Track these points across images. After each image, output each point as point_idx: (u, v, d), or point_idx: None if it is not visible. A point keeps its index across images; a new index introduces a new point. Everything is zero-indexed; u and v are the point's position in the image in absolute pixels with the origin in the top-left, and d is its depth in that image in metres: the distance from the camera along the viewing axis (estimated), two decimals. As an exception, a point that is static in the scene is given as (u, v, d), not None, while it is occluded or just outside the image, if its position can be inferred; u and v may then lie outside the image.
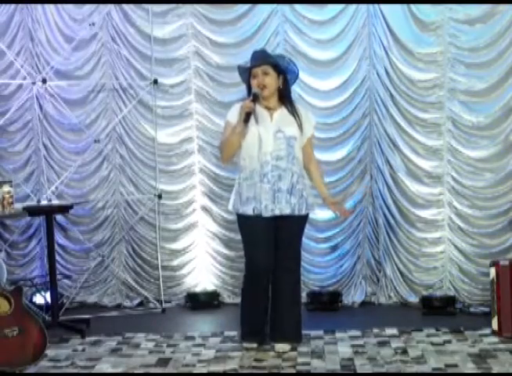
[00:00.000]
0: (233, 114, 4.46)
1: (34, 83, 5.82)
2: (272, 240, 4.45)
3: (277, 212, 4.37)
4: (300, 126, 4.47)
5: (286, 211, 4.39)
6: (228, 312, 5.65)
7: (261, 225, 4.40)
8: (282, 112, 4.47)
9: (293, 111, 4.49)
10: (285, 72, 4.49)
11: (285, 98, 4.51)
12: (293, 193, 4.40)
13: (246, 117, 4.33)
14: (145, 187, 5.98)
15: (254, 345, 4.58)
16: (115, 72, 5.90)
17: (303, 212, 4.46)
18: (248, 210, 4.40)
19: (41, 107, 5.93)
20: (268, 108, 4.45)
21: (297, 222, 4.50)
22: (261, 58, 4.47)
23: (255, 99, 4.35)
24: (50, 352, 4.59)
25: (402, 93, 5.61)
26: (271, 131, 4.39)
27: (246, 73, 4.48)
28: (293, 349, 4.52)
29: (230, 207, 4.56)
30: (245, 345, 4.61)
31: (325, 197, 4.62)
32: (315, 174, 4.62)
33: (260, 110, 4.43)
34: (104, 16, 5.84)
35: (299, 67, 5.69)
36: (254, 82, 4.40)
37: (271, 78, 4.41)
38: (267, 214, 4.37)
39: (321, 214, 5.80)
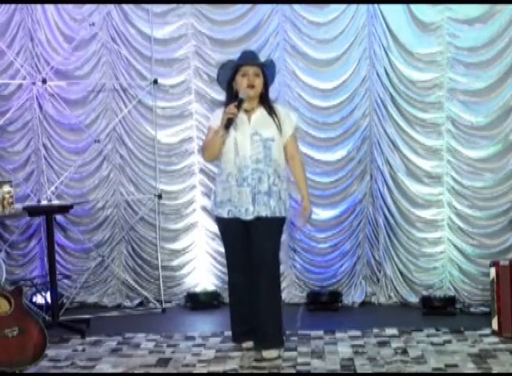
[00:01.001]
0: (216, 119, 4.42)
1: (34, 83, 5.83)
2: (248, 241, 4.43)
3: (257, 214, 4.35)
4: (278, 126, 4.42)
5: (264, 213, 4.35)
6: (228, 312, 5.64)
7: (237, 228, 4.41)
8: (260, 113, 4.43)
9: (272, 112, 4.44)
10: (268, 77, 4.46)
11: (265, 101, 4.46)
12: (271, 195, 4.37)
13: (228, 122, 4.27)
14: (145, 187, 5.98)
15: (251, 344, 4.56)
16: (115, 72, 5.91)
17: (282, 214, 4.43)
18: (223, 212, 4.41)
19: (40, 107, 5.93)
20: (246, 111, 4.39)
21: (276, 224, 4.44)
22: (254, 58, 4.44)
23: (240, 105, 4.29)
24: (50, 352, 4.59)
25: (401, 93, 5.61)
26: (248, 134, 4.36)
27: (230, 70, 4.41)
28: (279, 355, 4.42)
29: (210, 207, 4.67)
30: (244, 345, 4.59)
31: (302, 196, 4.55)
32: (296, 170, 4.54)
33: (239, 114, 4.34)
34: (104, 16, 5.84)
35: (299, 67, 5.78)
36: (243, 81, 4.34)
37: (260, 81, 4.39)
38: (248, 217, 4.36)
39: (321, 214, 5.82)
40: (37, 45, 5.90)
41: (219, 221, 4.51)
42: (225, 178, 4.40)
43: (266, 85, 4.46)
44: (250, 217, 4.36)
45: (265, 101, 4.47)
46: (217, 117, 4.44)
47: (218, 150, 4.39)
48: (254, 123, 4.40)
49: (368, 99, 5.69)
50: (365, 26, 5.63)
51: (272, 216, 4.38)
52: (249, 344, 4.57)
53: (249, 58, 4.43)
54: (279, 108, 4.53)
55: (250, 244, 4.43)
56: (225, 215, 4.42)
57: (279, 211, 4.41)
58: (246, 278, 4.48)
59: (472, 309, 5.41)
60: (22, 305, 4.38)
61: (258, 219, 4.37)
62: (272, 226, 4.43)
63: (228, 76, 4.43)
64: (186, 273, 6.02)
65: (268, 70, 4.46)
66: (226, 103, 4.41)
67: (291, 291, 5.87)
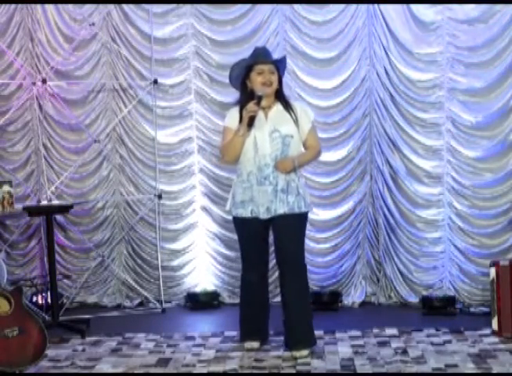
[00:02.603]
0: (230, 119, 4.42)
1: (34, 83, 5.83)
2: (267, 241, 4.48)
3: (280, 212, 4.31)
4: (296, 122, 4.40)
5: (282, 209, 4.31)
6: (229, 312, 5.66)
7: (257, 227, 4.39)
8: (277, 109, 4.41)
9: (288, 108, 4.42)
10: (282, 73, 4.46)
11: (282, 97, 4.45)
12: (289, 191, 4.34)
13: (250, 120, 4.27)
14: (145, 187, 5.98)
15: (255, 345, 4.56)
16: (115, 72, 5.91)
17: (302, 210, 4.38)
18: (245, 212, 4.37)
19: (40, 107, 5.93)
20: (263, 108, 4.36)
21: (297, 221, 4.40)
22: (268, 56, 4.42)
23: (259, 102, 4.27)
24: (50, 352, 4.59)
25: (401, 93, 5.61)
26: (266, 132, 4.33)
27: (244, 69, 4.38)
28: (311, 353, 4.44)
29: (227, 207, 4.56)
30: (246, 345, 4.58)
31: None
32: (307, 151, 4.46)
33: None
34: (104, 16, 5.84)
35: (299, 67, 5.78)
36: (258, 79, 4.32)
37: (275, 77, 4.36)
38: (267, 215, 4.33)
39: (321, 214, 5.82)
40: (37, 45, 5.90)
41: (239, 221, 4.44)
42: (246, 178, 4.36)
43: (280, 81, 4.43)
44: (268, 216, 4.33)
45: (280, 97, 4.44)
46: (232, 117, 4.41)
47: (240, 151, 4.34)
48: (272, 120, 4.36)
49: (368, 99, 5.69)
50: (365, 26, 5.63)
51: (291, 213, 4.33)
52: (252, 344, 4.56)
53: (263, 55, 4.40)
54: (294, 103, 4.51)
55: (274, 243, 4.43)
56: (247, 214, 4.36)
57: (298, 207, 4.35)
58: (261, 277, 4.53)
59: (472, 309, 5.41)
60: (22, 305, 4.38)
61: (278, 217, 4.33)
62: (292, 223, 4.38)
63: (242, 75, 4.39)
64: (186, 273, 6.02)
65: (281, 66, 4.45)
66: (241, 102, 4.38)
67: (291, 291, 5.87)
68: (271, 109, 4.40)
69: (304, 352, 4.40)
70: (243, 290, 4.63)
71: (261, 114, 4.35)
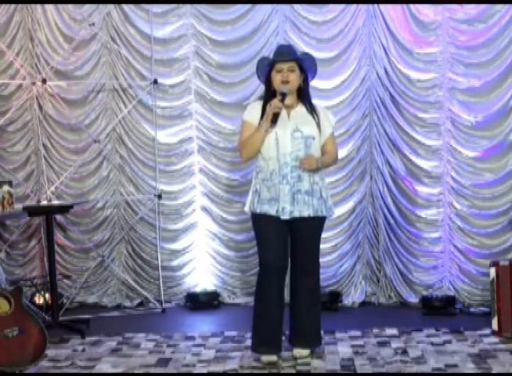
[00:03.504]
0: (251, 114, 4.33)
1: (33, 83, 5.82)
2: (287, 242, 4.34)
3: (296, 214, 4.24)
4: (318, 125, 4.33)
5: (306, 212, 4.25)
6: (229, 312, 5.66)
7: (279, 226, 4.26)
8: (300, 110, 4.33)
9: (312, 110, 4.35)
10: (307, 71, 4.35)
11: (304, 96, 4.37)
12: (313, 194, 4.27)
13: (275, 117, 4.20)
14: (145, 187, 5.98)
15: (274, 358, 4.30)
16: (115, 72, 5.91)
17: (324, 213, 4.32)
18: (271, 210, 4.24)
19: (40, 107, 5.93)
20: (286, 106, 4.28)
21: (317, 224, 4.36)
22: (289, 54, 4.32)
23: (283, 99, 4.21)
24: (50, 352, 4.59)
25: (401, 93, 5.61)
26: (288, 130, 4.25)
27: (267, 66, 4.32)
28: (312, 353, 4.43)
29: (247, 208, 4.37)
30: (264, 358, 4.30)
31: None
32: (326, 155, 4.40)
33: None
34: (104, 16, 5.84)
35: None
36: (277, 77, 4.25)
37: (295, 75, 4.26)
38: (285, 216, 4.24)
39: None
40: (37, 45, 5.90)
41: (263, 218, 4.27)
42: (269, 177, 4.26)
43: (306, 80, 4.35)
44: (286, 216, 4.24)
45: (304, 97, 4.36)
46: (253, 112, 4.33)
47: (259, 147, 4.25)
48: (295, 119, 4.29)
49: (368, 99, 5.70)
50: (365, 26, 5.63)
51: (315, 215, 4.28)
52: (272, 358, 4.29)
53: (282, 53, 4.32)
54: (318, 107, 4.43)
55: (292, 244, 4.33)
56: (272, 212, 4.23)
57: (320, 211, 4.30)
58: (282, 279, 4.33)
59: (472, 309, 5.41)
60: (22, 305, 4.38)
61: (301, 220, 4.25)
62: (315, 227, 4.35)
63: (265, 71, 4.33)
64: (186, 273, 6.02)
65: (305, 64, 4.33)
66: (265, 98, 4.32)
67: (291, 291, 5.87)
68: (293, 108, 4.33)
69: (305, 353, 4.39)
70: (261, 295, 4.34)
71: (283, 113, 4.27)
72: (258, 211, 4.29)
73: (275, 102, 4.19)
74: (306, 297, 4.40)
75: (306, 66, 4.33)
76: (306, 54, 4.50)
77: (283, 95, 4.22)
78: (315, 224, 4.34)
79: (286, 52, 4.33)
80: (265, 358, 4.30)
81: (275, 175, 4.24)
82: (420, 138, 5.62)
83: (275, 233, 4.28)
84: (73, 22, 5.88)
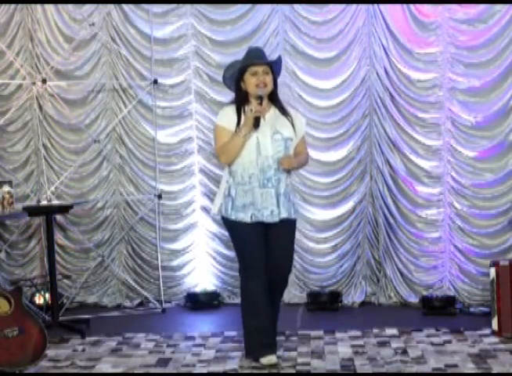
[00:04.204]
0: (225, 119, 4.30)
1: (33, 83, 5.82)
2: (264, 244, 4.31)
3: (280, 216, 4.23)
4: (293, 126, 4.34)
5: (284, 214, 4.26)
6: (229, 312, 5.65)
7: (259, 231, 4.25)
8: (274, 113, 4.34)
9: (285, 111, 4.36)
10: (277, 74, 4.37)
11: (276, 99, 4.38)
12: (286, 195, 4.28)
13: (256, 122, 4.19)
14: (145, 187, 5.98)
15: (274, 358, 4.24)
16: (115, 72, 5.91)
17: (293, 216, 4.33)
18: (246, 217, 4.22)
19: (40, 107, 5.93)
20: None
21: (294, 225, 4.39)
22: (263, 57, 4.33)
23: (261, 102, 4.21)
24: (50, 352, 4.58)
25: (401, 93, 5.61)
26: (268, 133, 4.25)
27: (238, 70, 4.28)
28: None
29: (216, 210, 4.35)
30: (265, 360, 4.22)
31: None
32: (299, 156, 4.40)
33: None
34: (104, 16, 5.84)
35: (299, 67, 5.78)
36: (252, 80, 4.24)
37: (270, 78, 4.27)
38: (273, 219, 4.22)
39: (321, 214, 5.82)
40: (37, 45, 5.90)
41: (239, 225, 4.24)
42: (247, 180, 4.23)
43: (275, 82, 4.36)
44: (275, 219, 4.22)
45: (275, 99, 4.37)
46: (227, 117, 4.30)
47: (240, 152, 4.22)
48: (271, 122, 4.28)
49: (368, 99, 5.70)
50: (365, 26, 5.63)
51: (290, 217, 4.30)
52: (271, 359, 4.22)
53: (258, 56, 4.31)
54: (288, 108, 4.45)
55: (269, 245, 4.29)
56: (248, 219, 4.21)
57: (292, 213, 4.32)
58: (265, 284, 4.27)
59: (472, 309, 5.41)
60: (22, 305, 4.37)
61: (281, 221, 4.26)
62: (292, 228, 4.38)
63: (236, 75, 4.30)
64: (186, 273, 6.02)
65: (277, 68, 4.36)
66: (237, 102, 4.31)
67: (291, 291, 5.86)
68: (267, 111, 4.32)
69: (274, 359, 4.26)
70: (249, 301, 4.28)
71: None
72: (233, 217, 4.27)
73: (256, 106, 4.19)
74: (278, 300, 4.44)
75: (277, 69, 4.36)
76: (279, 58, 4.48)
77: (261, 99, 4.22)
78: (292, 225, 4.37)
79: (261, 56, 4.33)
80: (265, 360, 4.24)
81: (255, 179, 4.23)
82: (420, 138, 5.62)
83: (255, 238, 4.26)
84: (73, 22, 5.88)
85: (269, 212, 4.22)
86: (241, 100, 4.30)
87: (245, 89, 4.29)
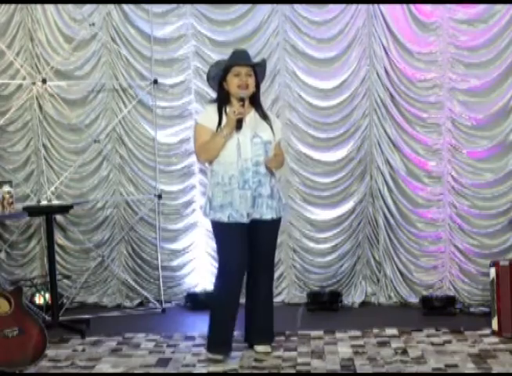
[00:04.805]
0: (207, 118, 4.36)
1: (33, 83, 5.82)
2: (246, 244, 4.37)
3: (256, 216, 4.31)
4: (272, 130, 4.39)
5: (269, 215, 4.34)
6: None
7: (237, 231, 4.31)
8: (254, 116, 4.37)
9: (265, 115, 4.41)
10: (259, 77, 4.40)
11: (257, 102, 4.42)
12: (273, 197, 4.36)
13: (238, 123, 4.23)
14: (145, 187, 5.98)
15: (221, 357, 4.37)
16: (115, 72, 5.90)
17: (281, 214, 4.44)
18: (223, 217, 4.29)
19: (40, 107, 5.93)
20: None
21: (278, 225, 4.48)
22: (247, 58, 4.37)
23: (243, 104, 4.25)
24: (50, 352, 4.58)
25: (401, 93, 5.61)
26: (248, 136, 4.29)
27: (222, 70, 4.34)
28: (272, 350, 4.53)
29: (202, 212, 4.48)
30: (210, 356, 4.39)
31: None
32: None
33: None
34: (104, 16, 5.84)
35: (299, 67, 5.78)
36: (234, 81, 4.28)
37: (252, 80, 4.32)
38: (246, 220, 4.29)
39: (321, 214, 5.82)
40: (37, 45, 5.90)
41: (218, 225, 4.35)
42: (227, 181, 4.29)
43: (258, 85, 4.40)
44: (244, 220, 4.29)
45: (257, 103, 4.42)
46: (209, 116, 4.36)
47: (219, 151, 4.28)
48: (251, 125, 4.33)
49: (368, 99, 5.69)
50: (365, 26, 5.63)
51: (277, 217, 4.41)
52: (217, 357, 4.37)
53: (241, 58, 4.35)
54: (267, 111, 4.49)
55: (252, 244, 4.38)
56: (225, 219, 4.29)
57: (279, 212, 4.42)
58: (240, 283, 4.42)
59: (472, 309, 5.41)
60: (22, 305, 4.38)
61: (262, 222, 4.33)
62: (275, 228, 4.48)
63: (219, 75, 4.35)
64: (186, 273, 6.02)
65: (259, 70, 4.40)
66: (219, 102, 4.36)
67: (291, 291, 5.87)
68: (248, 114, 4.35)
69: (269, 349, 4.50)
70: (220, 298, 4.42)
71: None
72: (211, 217, 4.36)
73: (238, 107, 4.23)
74: (266, 297, 4.52)
75: (260, 72, 4.39)
76: (263, 60, 4.52)
77: (243, 100, 4.25)
78: (276, 225, 4.47)
79: (245, 57, 4.37)
80: (213, 356, 4.39)
81: (235, 180, 4.27)
82: (420, 138, 5.61)
83: (233, 238, 4.32)
84: (73, 22, 5.88)
85: (246, 214, 4.29)
86: (223, 100, 4.35)
87: (227, 90, 4.33)
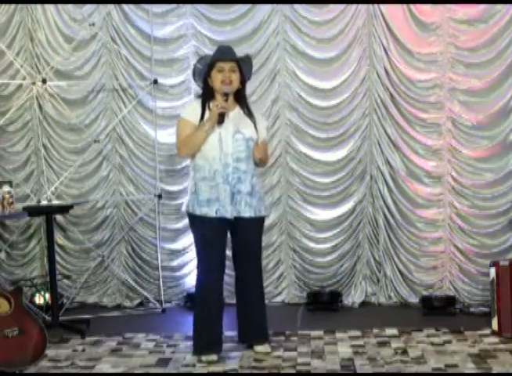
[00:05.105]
0: (190, 112, 4.37)
1: (33, 83, 5.82)
2: (226, 242, 4.40)
3: (235, 214, 4.30)
4: (255, 127, 4.39)
5: (247, 213, 4.32)
6: (228, 312, 5.64)
7: (221, 227, 4.32)
8: (239, 113, 4.38)
9: (250, 113, 4.41)
10: (245, 73, 4.40)
11: (242, 99, 4.42)
12: (253, 194, 4.35)
13: (220, 118, 4.24)
14: (145, 187, 5.98)
15: (215, 358, 4.37)
16: (115, 72, 5.90)
17: (263, 213, 4.43)
18: (210, 212, 4.28)
19: (40, 107, 5.93)
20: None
21: (258, 224, 4.45)
22: (231, 54, 4.37)
23: (227, 99, 4.26)
24: (50, 352, 4.59)
25: (401, 93, 5.61)
26: (230, 131, 4.30)
27: (206, 65, 4.35)
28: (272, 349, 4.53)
29: (184, 208, 4.45)
30: (204, 358, 4.36)
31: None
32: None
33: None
34: (104, 16, 5.84)
35: (299, 67, 5.77)
36: (218, 77, 4.29)
37: (236, 76, 4.32)
38: (230, 215, 4.30)
39: (321, 214, 5.82)
40: (37, 45, 5.90)
41: (203, 220, 4.31)
42: (212, 176, 4.29)
43: (243, 82, 4.40)
44: (233, 216, 4.31)
45: (242, 99, 4.42)
46: (192, 111, 4.37)
47: (201, 146, 4.28)
48: (234, 121, 4.33)
49: (368, 99, 5.69)
50: (365, 26, 5.63)
51: (256, 216, 4.37)
52: (212, 357, 4.35)
53: (225, 53, 4.36)
54: (252, 109, 4.48)
55: (235, 244, 4.41)
56: (212, 214, 4.28)
57: (259, 211, 4.39)
58: (221, 279, 4.43)
59: (472, 309, 5.41)
60: (22, 305, 4.38)
61: (242, 220, 4.32)
62: (256, 226, 4.45)
63: (204, 71, 4.36)
64: (186, 273, 6.01)
65: (244, 66, 4.39)
66: (203, 97, 4.37)
67: (291, 291, 5.87)
68: (232, 110, 4.36)
69: (268, 348, 4.49)
70: (203, 296, 4.42)
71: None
72: (198, 212, 4.33)
73: (221, 102, 4.24)
74: (256, 296, 4.51)
75: (245, 68, 4.39)
76: (247, 56, 4.50)
77: (226, 96, 4.26)
78: (257, 224, 4.44)
79: (229, 52, 4.37)
80: (206, 358, 4.36)
81: (218, 175, 4.29)
82: (420, 138, 5.61)
83: (216, 234, 4.33)
84: (73, 22, 5.88)
85: (221, 208, 4.29)
86: (207, 96, 4.36)
87: (212, 85, 4.34)
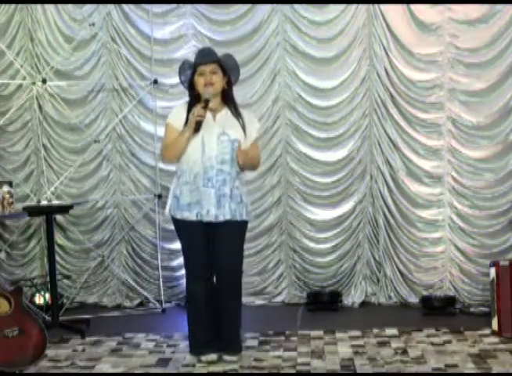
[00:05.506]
0: (175, 117, 4.35)
1: (33, 83, 5.82)
2: (209, 244, 4.34)
3: (221, 218, 4.25)
4: (243, 128, 4.34)
5: (228, 216, 4.26)
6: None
7: (203, 231, 4.28)
8: (226, 114, 4.34)
9: (237, 113, 4.36)
10: (230, 72, 4.36)
11: (229, 99, 4.38)
12: (232, 198, 4.28)
13: (197, 125, 4.20)
14: (145, 187, 5.98)
15: (215, 358, 4.36)
16: (115, 72, 5.90)
17: (243, 217, 4.34)
18: (191, 216, 4.26)
19: (40, 107, 5.93)
20: (211, 109, 4.27)
21: (238, 228, 4.35)
22: (209, 55, 4.33)
23: (206, 105, 4.21)
24: (50, 352, 4.58)
25: (401, 93, 5.61)
26: (215, 134, 4.25)
27: (190, 70, 4.33)
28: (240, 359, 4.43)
29: (167, 211, 4.41)
30: (204, 358, 4.35)
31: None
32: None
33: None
34: (104, 16, 5.84)
35: (299, 67, 5.77)
36: (200, 81, 4.26)
37: (218, 77, 4.27)
38: (209, 218, 4.24)
39: (321, 214, 5.82)
40: (37, 45, 5.90)
41: (185, 224, 4.30)
42: (192, 179, 4.25)
43: (229, 82, 4.36)
44: (211, 219, 4.25)
45: (228, 100, 4.37)
46: (178, 116, 4.35)
47: (183, 151, 4.25)
48: (221, 122, 4.30)
49: (368, 99, 5.69)
50: (365, 26, 5.63)
51: (232, 219, 4.29)
52: (211, 357, 4.35)
53: (203, 56, 4.32)
54: (243, 110, 4.44)
55: (213, 247, 4.33)
56: (193, 217, 4.25)
57: (239, 215, 4.31)
58: (209, 284, 4.40)
59: (472, 309, 5.41)
60: (22, 305, 4.38)
61: (220, 223, 4.27)
62: (233, 230, 4.33)
63: (188, 75, 4.34)
64: (186, 273, 6.01)
65: (228, 66, 4.34)
66: (190, 103, 4.34)
67: (291, 291, 5.87)
68: (219, 111, 4.33)
69: (235, 358, 4.37)
70: (192, 299, 4.45)
71: (209, 116, 4.27)
72: (178, 217, 4.32)
73: (198, 109, 4.19)
74: (231, 301, 4.40)
75: (228, 67, 4.34)
76: (227, 55, 4.44)
77: (206, 102, 4.21)
78: (235, 227, 4.33)
79: (206, 55, 4.33)
80: (204, 358, 4.35)
81: (199, 178, 4.24)
82: (420, 138, 5.61)
83: (199, 237, 4.31)
84: (73, 22, 5.88)
85: (205, 212, 4.24)
86: (193, 100, 4.32)
87: (197, 90, 4.31)
